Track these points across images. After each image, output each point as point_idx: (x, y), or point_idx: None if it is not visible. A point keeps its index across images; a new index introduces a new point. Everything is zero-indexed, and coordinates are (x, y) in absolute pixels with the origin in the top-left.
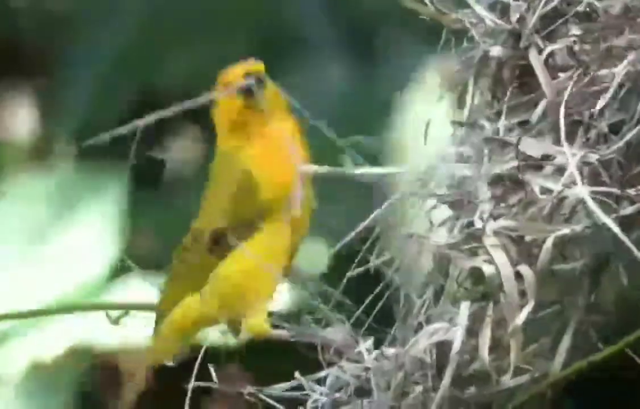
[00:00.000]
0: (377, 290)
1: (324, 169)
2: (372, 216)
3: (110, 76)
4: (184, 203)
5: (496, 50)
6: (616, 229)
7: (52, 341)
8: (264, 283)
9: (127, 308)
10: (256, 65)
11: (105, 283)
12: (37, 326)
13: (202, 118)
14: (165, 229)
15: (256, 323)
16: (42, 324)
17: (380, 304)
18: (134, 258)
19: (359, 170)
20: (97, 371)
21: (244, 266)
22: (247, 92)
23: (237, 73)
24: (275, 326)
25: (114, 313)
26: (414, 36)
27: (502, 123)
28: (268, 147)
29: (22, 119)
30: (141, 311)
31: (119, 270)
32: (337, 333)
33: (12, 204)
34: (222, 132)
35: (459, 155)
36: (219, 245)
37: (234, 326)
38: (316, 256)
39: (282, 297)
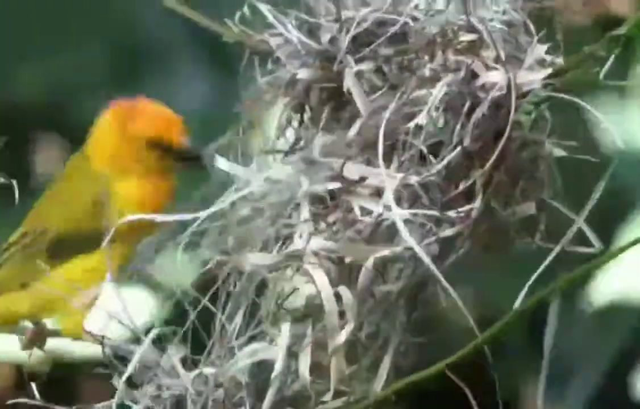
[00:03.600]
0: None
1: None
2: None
3: None
4: None
5: (304, 73)
6: (425, 257)
7: None
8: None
9: None
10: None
11: None
12: None
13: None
14: None
15: (73, 324)
16: None
17: (188, 324)
18: None
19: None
20: None
21: (79, 275)
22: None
23: (169, 126)
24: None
25: None
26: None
27: (318, 143)
28: (143, 192)
29: None
30: None
31: None
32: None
33: None
34: (117, 164)
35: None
36: (60, 249)
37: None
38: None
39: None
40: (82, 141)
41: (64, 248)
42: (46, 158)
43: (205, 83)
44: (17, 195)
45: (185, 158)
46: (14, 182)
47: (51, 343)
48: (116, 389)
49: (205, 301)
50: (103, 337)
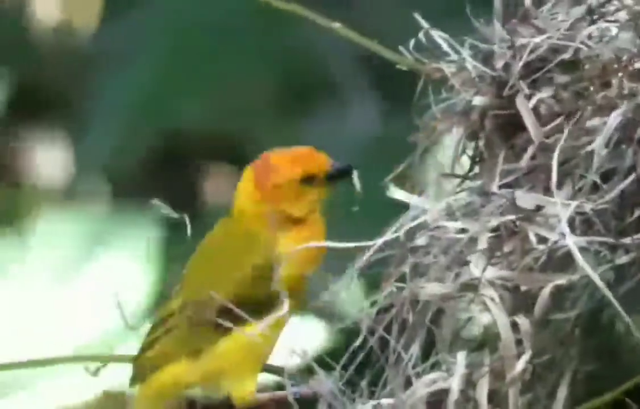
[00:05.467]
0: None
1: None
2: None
3: (136, 116)
4: None
5: (478, 99)
6: (600, 283)
7: (81, 386)
8: (260, 360)
9: (106, 360)
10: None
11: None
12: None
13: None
14: None
15: (244, 394)
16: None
17: (359, 357)
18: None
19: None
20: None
21: (245, 345)
22: (340, 175)
23: (319, 161)
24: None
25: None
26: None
27: (494, 174)
28: (298, 240)
29: (51, 161)
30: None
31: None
32: (324, 385)
33: (42, 245)
34: (275, 215)
35: (454, 206)
36: (224, 319)
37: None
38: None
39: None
40: None
41: (230, 317)
42: (216, 187)
43: (374, 110)
44: (189, 230)
45: (335, 176)
46: (186, 217)
47: None
48: None
49: (380, 330)
50: (281, 369)
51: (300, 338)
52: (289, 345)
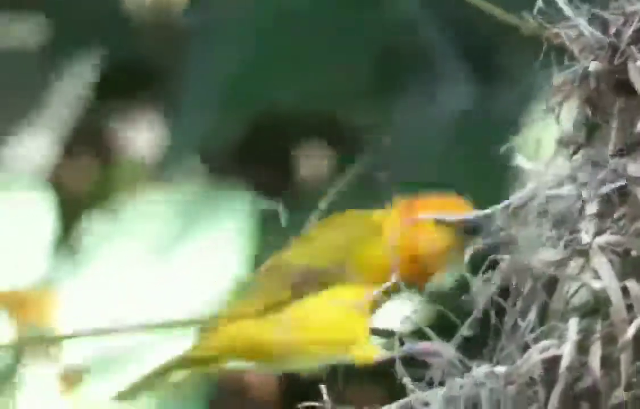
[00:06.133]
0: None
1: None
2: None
3: (230, 94)
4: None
5: (594, 65)
6: None
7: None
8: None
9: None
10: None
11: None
12: (166, 338)
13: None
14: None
15: (363, 352)
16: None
17: (468, 322)
18: None
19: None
20: (223, 384)
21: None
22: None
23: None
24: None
25: None
26: (532, 54)
27: (607, 141)
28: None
29: (146, 137)
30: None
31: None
32: (440, 349)
33: (136, 222)
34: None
35: (564, 172)
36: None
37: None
38: None
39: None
40: (348, 149)
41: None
42: (312, 167)
43: (468, 84)
44: (283, 219)
45: (469, 230)
46: (280, 205)
47: None
48: (397, 391)
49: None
50: (393, 332)
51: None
52: (401, 312)
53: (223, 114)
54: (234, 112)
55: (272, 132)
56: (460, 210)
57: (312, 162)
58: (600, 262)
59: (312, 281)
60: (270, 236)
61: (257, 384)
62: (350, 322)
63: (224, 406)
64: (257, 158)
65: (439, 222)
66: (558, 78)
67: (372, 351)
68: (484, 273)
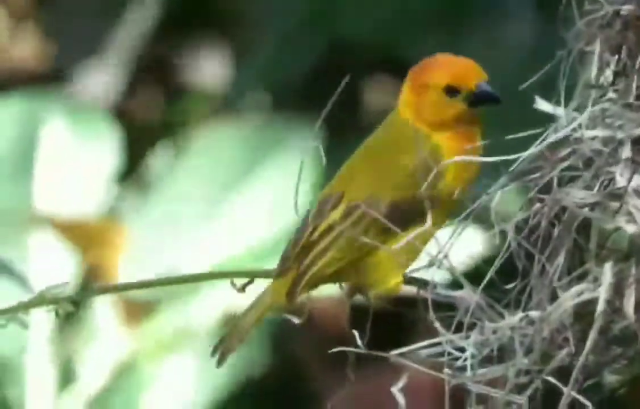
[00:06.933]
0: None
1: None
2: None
3: (299, 27)
4: None
5: (624, 9)
6: None
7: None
8: (409, 260)
9: (253, 275)
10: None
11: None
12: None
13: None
14: None
15: (392, 285)
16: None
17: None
18: None
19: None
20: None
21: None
22: (483, 101)
23: (468, 74)
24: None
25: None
26: None
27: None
28: (460, 141)
29: (214, 70)
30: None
31: None
32: (472, 294)
33: (202, 156)
34: (418, 117)
35: (598, 116)
36: (394, 219)
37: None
38: None
39: None
40: None
41: (395, 220)
42: (377, 97)
43: (531, 20)
44: (323, 159)
45: (478, 100)
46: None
47: None
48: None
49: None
50: (425, 282)
51: (447, 248)
52: (434, 256)
53: (290, 47)
54: (301, 45)
55: (338, 65)
56: (472, 74)
57: (378, 94)
58: (636, 205)
59: (397, 219)
60: (335, 170)
61: (324, 323)
62: (389, 268)
63: (292, 337)
64: (323, 91)
65: (448, 90)
66: (584, 23)
67: (400, 285)
68: (515, 215)
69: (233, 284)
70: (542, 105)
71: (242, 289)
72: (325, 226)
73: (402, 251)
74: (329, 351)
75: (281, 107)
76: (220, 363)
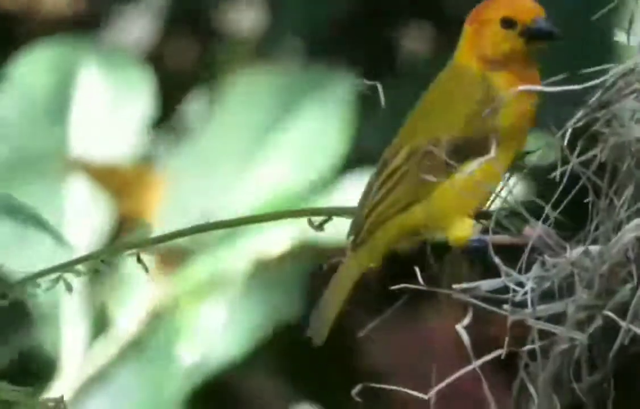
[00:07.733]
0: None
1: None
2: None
3: None
4: (414, 99)
5: None
6: None
7: (277, 238)
8: (473, 207)
9: (331, 214)
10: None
11: (330, 182)
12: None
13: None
14: (394, 124)
15: (460, 236)
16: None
17: (565, 201)
18: (362, 155)
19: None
20: (323, 268)
21: (466, 185)
22: (539, 36)
23: (525, 8)
24: None
25: (318, 219)
26: None
27: None
28: (517, 82)
29: (249, 16)
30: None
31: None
32: (535, 231)
33: (236, 102)
34: (478, 54)
35: None
36: (453, 158)
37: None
38: None
39: None
40: (449, 31)
41: (456, 157)
42: (413, 44)
43: None
44: (382, 99)
45: (535, 35)
46: (379, 85)
47: None
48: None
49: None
50: (490, 214)
51: (511, 185)
52: (499, 192)
53: None
54: None
55: (374, 12)
56: (530, 8)
57: (414, 42)
58: None
59: (458, 156)
60: (371, 116)
61: None
62: (457, 205)
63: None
64: (359, 38)
65: (505, 22)
66: None
67: (468, 233)
68: (580, 149)
69: (310, 222)
70: (621, 37)
71: (320, 227)
72: (389, 171)
73: (468, 189)
74: (390, 288)
75: (317, 53)
76: (310, 334)
